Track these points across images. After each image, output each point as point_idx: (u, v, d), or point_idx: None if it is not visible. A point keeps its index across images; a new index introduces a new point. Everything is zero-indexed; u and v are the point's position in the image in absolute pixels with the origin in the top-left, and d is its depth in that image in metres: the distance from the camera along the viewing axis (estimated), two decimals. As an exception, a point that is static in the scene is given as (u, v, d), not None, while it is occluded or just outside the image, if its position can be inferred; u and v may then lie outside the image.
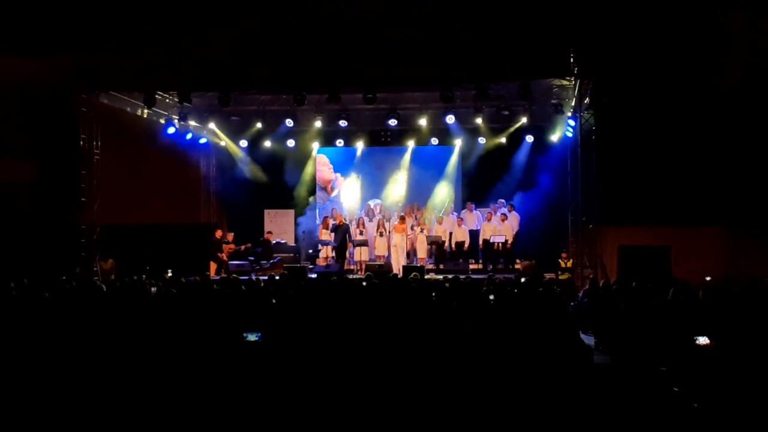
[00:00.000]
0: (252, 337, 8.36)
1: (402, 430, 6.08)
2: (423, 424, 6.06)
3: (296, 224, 25.55)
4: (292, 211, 25.76)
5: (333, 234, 22.75)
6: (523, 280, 16.51)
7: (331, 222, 23.24)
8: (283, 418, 6.20)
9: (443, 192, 25.34)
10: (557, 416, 6.14)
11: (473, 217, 23.55)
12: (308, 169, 26.00)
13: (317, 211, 25.75)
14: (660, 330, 9.61)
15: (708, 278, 16.10)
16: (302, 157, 25.76)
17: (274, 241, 23.82)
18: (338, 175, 26.17)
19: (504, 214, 22.72)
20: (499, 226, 22.56)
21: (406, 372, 7.02)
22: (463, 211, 23.98)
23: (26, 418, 6.21)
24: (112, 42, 18.89)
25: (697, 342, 8.44)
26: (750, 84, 18.31)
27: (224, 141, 25.23)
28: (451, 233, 23.08)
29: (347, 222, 23.45)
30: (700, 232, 19.75)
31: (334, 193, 26.07)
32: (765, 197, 18.82)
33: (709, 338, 8.24)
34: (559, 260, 20.27)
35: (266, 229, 24.83)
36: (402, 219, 23.23)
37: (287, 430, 6.13)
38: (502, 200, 23.51)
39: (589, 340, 13.63)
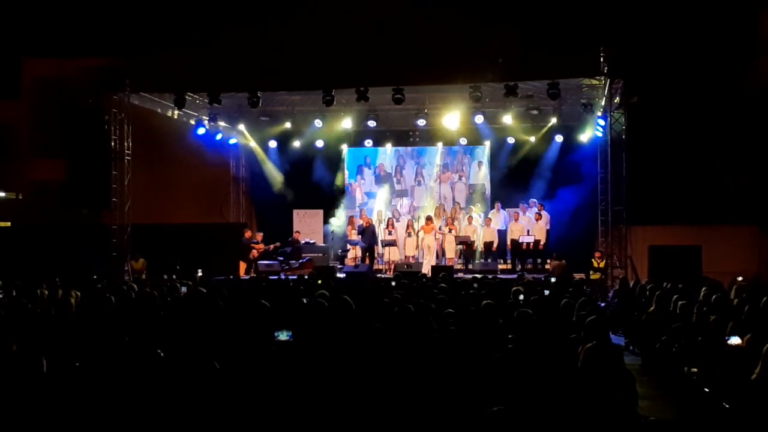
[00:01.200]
0: (283, 336, 8.40)
1: (430, 427, 6.09)
2: (450, 420, 6.06)
3: (325, 224, 25.56)
4: (320, 211, 25.79)
5: (361, 236, 22.78)
6: (553, 280, 16.45)
7: (357, 223, 23.28)
8: (311, 417, 6.23)
9: (472, 192, 25.28)
10: (590, 418, 6.12)
11: (501, 217, 23.49)
12: (337, 170, 26.05)
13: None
14: (691, 330, 9.55)
15: (740, 278, 15.98)
16: (331, 157, 25.81)
17: (303, 241, 23.88)
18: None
19: (537, 214, 22.64)
20: (528, 226, 22.50)
21: (435, 372, 7.02)
22: (491, 211, 23.93)
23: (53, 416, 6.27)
24: (142, 44, 19.04)
25: (729, 342, 8.38)
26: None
27: (252, 142, 25.36)
28: (480, 233, 23.02)
29: (374, 223, 23.46)
30: (732, 231, 19.63)
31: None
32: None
33: (741, 338, 8.18)
34: (593, 260, 20.14)
35: (295, 228, 24.89)
36: (429, 219, 23.21)
37: (316, 428, 6.16)
38: (534, 200, 23.42)
39: (619, 340, 13.58)
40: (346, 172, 26.21)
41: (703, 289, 12.82)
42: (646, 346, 11.64)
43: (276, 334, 8.45)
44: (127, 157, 20.29)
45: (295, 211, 25.82)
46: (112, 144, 20.07)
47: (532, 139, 24.05)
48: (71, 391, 6.67)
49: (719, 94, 19.05)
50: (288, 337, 8.42)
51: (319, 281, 16.42)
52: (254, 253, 22.45)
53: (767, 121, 18.69)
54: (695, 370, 8.25)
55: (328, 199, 25.79)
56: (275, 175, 25.76)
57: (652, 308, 11.91)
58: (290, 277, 19.04)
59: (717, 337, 8.63)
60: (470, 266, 22.16)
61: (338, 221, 25.10)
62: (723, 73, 18.76)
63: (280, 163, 25.73)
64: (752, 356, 7.33)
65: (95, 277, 17.34)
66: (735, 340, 8.33)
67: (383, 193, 25.71)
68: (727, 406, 6.91)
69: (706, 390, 7.52)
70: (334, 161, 26.02)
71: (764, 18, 18.24)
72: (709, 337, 8.73)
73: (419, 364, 7.33)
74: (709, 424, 7.27)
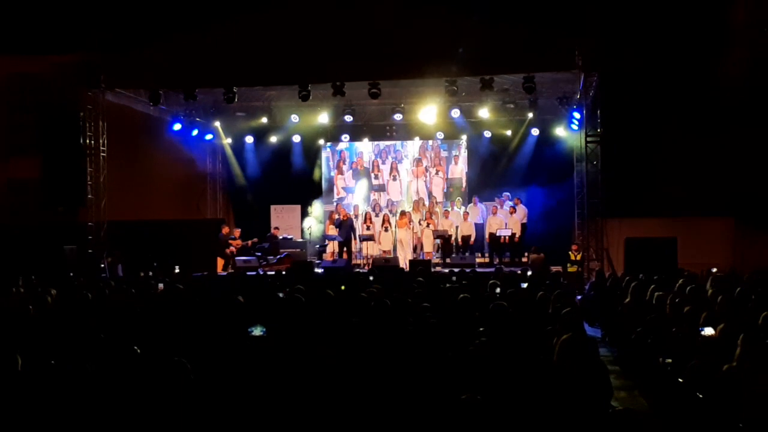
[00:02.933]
0: (257, 332, 8.39)
1: (406, 424, 6.10)
2: (427, 417, 6.07)
3: (302, 219, 25.51)
4: (298, 207, 25.76)
5: (338, 229, 22.78)
6: (529, 273, 16.50)
7: (335, 217, 23.31)
8: (287, 412, 6.23)
9: (450, 186, 25.33)
10: (563, 409, 6.15)
11: (478, 211, 23.56)
12: (314, 165, 26.04)
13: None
14: (665, 321, 9.61)
15: (714, 269, 16.10)
16: (308, 152, 25.78)
17: (280, 237, 23.84)
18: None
19: (512, 207, 22.72)
20: (506, 219, 22.57)
21: (412, 366, 7.04)
22: (468, 204, 24.00)
23: (32, 415, 6.25)
24: (116, 40, 18.92)
25: (702, 333, 8.44)
26: (756, 77, 18.26)
27: (226, 140, 25.40)
28: (457, 227, 23.07)
29: (351, 217, 23.47)
30: (707, 223, 19.79)
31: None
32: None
33: (714, 329, 8.24)
34: (570, 253, 20.24)
35: (273, 224, 24.86)
36: (403, 214, 23.25)
37: (291, 424, 6.16)
38: (507, 193, 23.53)
39: (595, 332, 13.67)
40: (324, 167, 26.17)
41: (679, 280, 12.91)
42: (622, 337, 11.71)
43: (250, 329, 8.44)
44: (102, 154, 20.17)
45: (272, 207, 25.78)
46: (88, 141, 19.95)
47: (509, 132, 24.16)
48: (46, 389, 6.64)
49: (694, 86, 19.16)
50: (262, 333, 8.41)
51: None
52: (232, 249, 22.40)
53: (742, 114, 18.80)
54: (669, 360, 8.30)
55: (306, 194, 25.75)
56: (252, 171, 25.78)
57: (627, 300, 11.97)
58: (268, 273, 19.03)
59: (691, 328, 8.68)
60: (448, 260, 22.19)
61: (316, 216, 25.08)
62: (697, 65, 18.86)
63: (256, 159, 25.68)
64: (725, 346, 7.39)
65: (72, 274, 17.26)
66: (708, 331, 8.38)
67: (361, 188, 25.70)
68: (700, 396, 6.97)
69: (680, 380, 7.57)
70: (311, 156, 25.99)
71: (735, 8, 18.35)
72: (684, 328, 8.78)
73: (394, 358, 7.34)
74: (683, 414, 7.33)
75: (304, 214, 25.42)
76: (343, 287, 12.76)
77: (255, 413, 6.27)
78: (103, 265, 19.73)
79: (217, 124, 24.38)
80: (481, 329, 8.17)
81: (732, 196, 19.46)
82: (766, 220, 18.95)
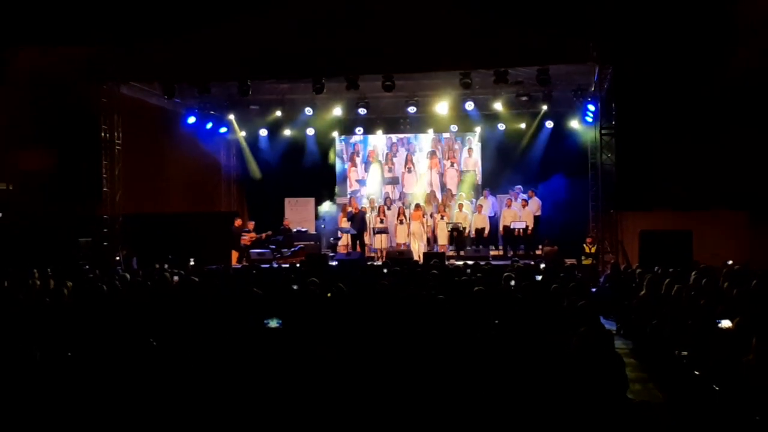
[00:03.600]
0: (273, 324, 8.41)
1: (421, 418, 6.11)
2: (444, 411, 6.08)
3: (317, 212, 25.53)
4: (312, 200, 25.78)
5: (350, 222, 22.83)
6: (542, 265, 16.49)
7: (348, 210, 23.34)
8: (300, 405, 6.24)
9: (463, 179, 25.29)
10: (580, 401, 6.15)
11: (489, 204, 23.53)
12: (328, 158, 26.06)
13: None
14: (681, 314, 9.59)
15: (730, 262, 16.03)
16: (322, 145, 25.81)
17: (294, 230, 23.87)
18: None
19: (525, 200, 22.69)
20: (520, 212, 22.53)
21: (426, 361, 7.04)
22: (480, 197, 23.98)
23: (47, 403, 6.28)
24: (132, 32, 18.95)
25: (719, 326, 8.42)
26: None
27: (241, 133, 25.41)
28: (471, 220, 23.05)
29: (364, 210, 23.51)
30: (722, 216, 19.66)
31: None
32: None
33: (731, 322, 8.22)
34: (584, 245, 20.20)
35: (287, 217, 24.89)
36: (418, 206, 23.25)
37: (305, 416, 6.17)
38: (520, 186, 23.50)
39: (610, 325, 13.64)
40: (338, 160, 26.18)
41: (693, 273, 12.87)
42: (637, 330, 11.69)
43: (266, 321, 8.46)
44: (117, 147, 20.22)
45: (286, 200, 25.81)
46: (102, 133, 20.01)
47: (523, 125, 24.09)
48: (64, 381, 6.68)
49: (710, 78, 19.03)
50: (278, 325, 8.43)
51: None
52: (245, 241, 22.45)
53: (757, 107, 18.69)
54: (686, 353, 8.29)
55: (320, 187, 25.79)
56: (256, 167, 25.86)
57: (642, 293, 11.96)
58: (282, 266, 19.06)
59: (707, 321, 8.66)
60: (462, 253, 22.17)
61: (330, 209, 25.11)
62: (712, 57, 18.74)
63: (270, 152, 25.71)
64: (742, 339, 7.37)
65: (87, 267, 17.33)
66: (725, 324, 8.36)
67: (374, 180, 25.70)
68: (716, 388, 6.96)
69: (696, 373, 7.56)
70: (325, 149, 26.00)
71: (744, 4, 18.23)
72: (700, 321, 8.76)
73: (408, 350, 7.35)
74: (699, 407, 7.32)
75: (319, 206, 25.45)
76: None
77: (268, 405, 6.29)
78: (118, 258, 19.79)
79: (232, 117, 24.38)
80: (496, 321, 8.18)
81: (748, 189, 19.32)
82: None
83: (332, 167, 26.15)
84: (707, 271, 13.54)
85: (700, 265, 15.12)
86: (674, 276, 12.81)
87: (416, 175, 25.32)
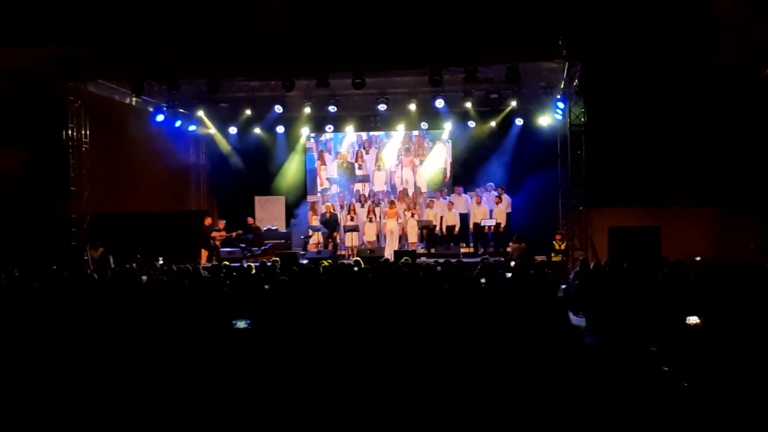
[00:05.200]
0: (241, 324, 8.33)
1: (393, 418, 6.10)
2: (412, 407, 6.07)
3: (287, 210, 25.49)
4: (282, 198, 25.72)
5: (324, 225, 22.96)
6: (512, 263, 16.53)
7: (320, 211, 23.40)
8: (271, 404, 6.21)
9: (434, 176, 25.33)
10: (547, 397, 6.16)
11: (462, 201, 23.61)
12: (298, 156, 25.99)
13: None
14: (650, 310, 9.64)
15: (698, 258, 16.16)
16: (292, 143, 25.73)
17: (265, 228, 23.81)
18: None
19: (497, 197, 22.77)
20: (490, 209, 22.61)
21: (397, 358, 7.03)
22: (452, 195, 24.03)
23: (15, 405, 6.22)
24: (99, 30, 18.78)
25: (687, 321, 8.47)
26: (741, 69, 18.34)
27: (212, 129, 25.21)
28: (441, 217, 23.10)
29: (335, 213, 23.59)
30: (690, 212, 19.85)
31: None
32: (753, 179, 18.90)
33: (699, 317, 8.27)
34: (554, 242, 20.33)
35: (257, 216, 24.82)
36: (392, 204, 23.30)
37: (276, 417, 6.15)
38: (491, 184, 23.58)
39: (580, 321, 13.69)
40: (308, 158, 26.12)
41: (662, 269, 12.95)
42: (607, 326, 11.74)
43: (234, 322, 8.38)
44: (85, 146, 20.04)
45: (256, 198, 25.71)
46: (70, 132, 19.81)
47: (493, 123, 24.14)
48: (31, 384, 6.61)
49: (679, 75, 19.21)
50: (246, 325, 8.35)
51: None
52: (216, 240, 22.36)
53: (726, 103, 18.87)
54: (654, 349, 8.33)
55: (290, 185, 25.72)
56: (235, 162, 25.69)
57: (612, 289, 12.01)
58: (253, 264, 18.99)
59: (675, 317, 8.71)
60: (432, 250, 22.20)
61: (300, 207, 25.10)
62: (682, 54, 18.91)
63: (240, 150, 25.62)
64: (709, 335, 7.43)
65: (55, 267, 17.15)
66: (693, 320, 8.41)
67: (344, 178, 25.67)
68: (685, 384, 6.99)
69: (665, 369, 7.60)
70: (295, 147, 25.93)
71: (715, 1, 18.40)
72: (668, 317, 8.81)
73: (375, 349, 7.34)
74: (667, 403, 7.36)
75: (289, 205, 25.43)
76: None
77: (240, 404, 6.25)
78: (86, 258, 19.62)
79: (201, 113, 24.21)
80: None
81: (716, 186, 19.53)
82: (750, 210, 19.03)
83: (302, 165, 26.07)
84: (676, 267, 13.63)
85: (668, 261, 15.22)
86: (643, 272, 12.87)
87: (386, 173, 25.32)
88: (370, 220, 23.01)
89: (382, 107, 22.73)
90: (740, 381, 6.51)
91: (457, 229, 22.94)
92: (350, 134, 25.62)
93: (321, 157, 26.05)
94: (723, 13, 18.06)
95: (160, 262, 18.49)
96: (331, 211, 23.37)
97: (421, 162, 25.40)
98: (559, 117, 21.16)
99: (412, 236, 23.03)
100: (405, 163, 25.42)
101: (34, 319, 9.56)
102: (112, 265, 19.07)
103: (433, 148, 25.49)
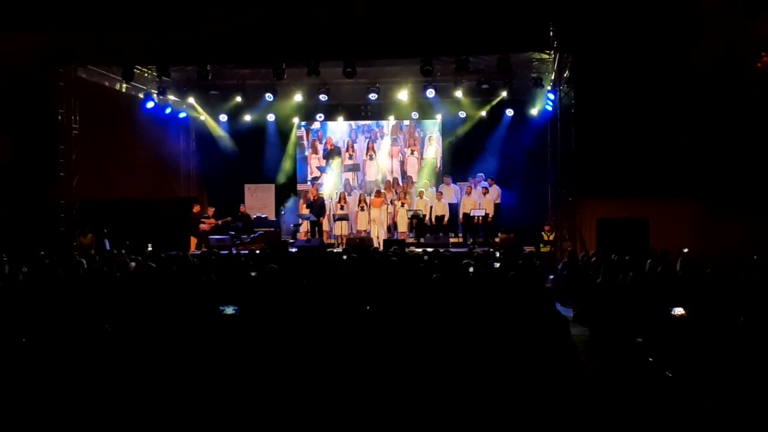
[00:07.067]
0: (229, 311, 8.35)
1: (379, 406, 6.12)
2: (401, 399, 6.10)
3: (277, 199, 25.47)
4: (272, 186, 25.70)
5: (309, 209, 22.88)
6: (498, 254, 16.59)
7: (308, 197, 23.39)
8: (259, 392, 6.23)
9: (424, 166, 25.34)
10: (534, 388, 6.19)
11: (451, 191, 23.61)
12: (289, 144, 25.95)
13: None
14: (637, 301, 9.69)
15: (685, 250, 16.22)
16: (282, 131, 25.70)
17: (254, 216, 23.78)
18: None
19: (485, 188, 22.79)
20: (479, 199, 22.63)
21: (385, 347, 7.05)
22: (441, 185, 24.04)
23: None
24: (89, 16, 18.70)
25: (673, 313, 8.52)
26: (727, 60, 18.40)
27: (203, 116, 25.13)
28: (431, 207, 23.11)
29: (322, 196, 23.57)
30: (678, 205, 19.91)
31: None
32: (741, 172, 18.98)
33: (684, 309, 8.32)
34: (542, 233, 20.40)
35: (247, 203, 24.78)
36: (378, 193, 23.36)
37: (263, 404, 6.16)
38: (481, 174, 23.59)
39: (567, 312, 13.77)
40: (298, 146, 26.09)
41: (649, 261, 13.00)
42: (594, 317, 11.81)
43: (222, 308, 8.39)
44: (74, 131, 19.97)
45: (246, 186, 25.69)
46: (59, 118, 19.73)
47: (483, 113, 24.15)
48: (18, 366, 6.62)
49: (667, 68, 19.27)
50: (234, 312, 8.37)
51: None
52: (205, 227, 22.33)
53: (713, 96, 18.93)
54: (640, 340, 8.38)
55: (280, 173, 25.71)
56: (226, 150, 25.62)
57: (599, 280, 12.06)
58: (242, 252, 18.98)
59: (661, 308, 8.76)
60: (422, 240, 22.22)
61: (290, 195, 25.07)
62: (671, 48, 18.96)
63: (230, 137, 25.56)
64: (695, 326, 7.47)
65: (42, 253, 17.12)
66: (678, 311, 8.46)
67: (335, 167, 25.66)
68: (669, 374, 7.05)
69: (650, 359, 7.65)
70: (285, 135, 25.89)
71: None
72: (654, 308, 8.86)
73: (362, 336, 7.36)
74: (653, 393, 7.41)
75: (279, 193, 25.42)
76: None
77: (227, 392, 6.27)
78: (75, 243, 19.59)
79: (191, 100, 24.13)
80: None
81: (704, 178, 19.61)
82: (737, 203, 19.09)
83: (293, 154, 26.04)
84: (662, 258, 13.68)
85: (655, 252, 15.28)
86: (630, 263, 12.92)
87: (377, 163, 25.32)
88: (362, 209, 23.04)
89: (373, 96, 22.71)
90: (725, 371, 6.55)
91: (446, 219, 22.94)
92: (341, 123, 25.55)
93: (312, 146, 26.01)
94: (709, 7, 18.12)
95: (149, 248, 18.47)
96: (316, 193, 23.37)
97: (412, 152, 25.39)
98: (550, 108, 21.18)
99: (402, 226, 23.04)
100: (395, 152, 25.41)
101: (21, 304, 9.58)
102: (107, 248, 19.10)
103: (423, 138, 25.48)
